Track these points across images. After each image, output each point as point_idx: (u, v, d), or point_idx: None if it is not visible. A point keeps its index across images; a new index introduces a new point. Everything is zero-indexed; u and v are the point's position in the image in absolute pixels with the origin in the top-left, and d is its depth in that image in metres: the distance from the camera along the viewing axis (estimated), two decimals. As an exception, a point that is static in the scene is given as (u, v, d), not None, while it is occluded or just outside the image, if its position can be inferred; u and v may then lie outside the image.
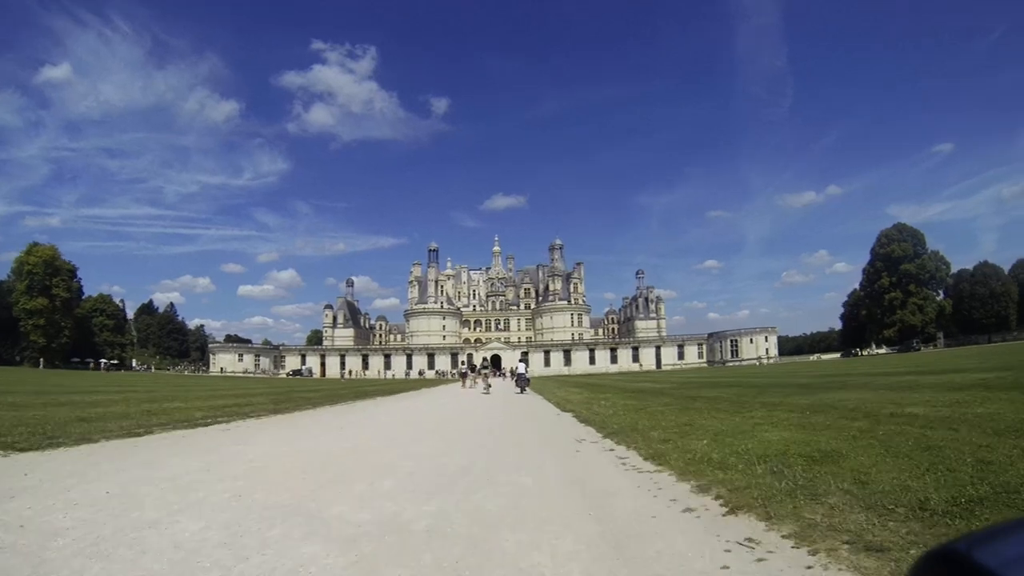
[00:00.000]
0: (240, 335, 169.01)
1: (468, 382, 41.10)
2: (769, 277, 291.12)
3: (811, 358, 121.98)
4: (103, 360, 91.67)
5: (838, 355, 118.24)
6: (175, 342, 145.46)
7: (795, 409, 12.55)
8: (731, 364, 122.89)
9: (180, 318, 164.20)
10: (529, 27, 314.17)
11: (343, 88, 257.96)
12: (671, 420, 11.72)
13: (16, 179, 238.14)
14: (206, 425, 12.18)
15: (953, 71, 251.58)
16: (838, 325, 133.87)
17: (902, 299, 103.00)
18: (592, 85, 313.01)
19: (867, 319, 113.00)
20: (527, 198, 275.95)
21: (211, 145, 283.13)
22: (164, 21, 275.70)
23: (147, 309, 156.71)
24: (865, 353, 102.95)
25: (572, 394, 26.23)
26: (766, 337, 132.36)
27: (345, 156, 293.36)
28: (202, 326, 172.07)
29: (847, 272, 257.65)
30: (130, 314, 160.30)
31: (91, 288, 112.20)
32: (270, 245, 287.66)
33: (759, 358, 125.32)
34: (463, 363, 69.90)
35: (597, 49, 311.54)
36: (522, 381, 31.98)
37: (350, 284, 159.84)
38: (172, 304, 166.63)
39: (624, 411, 15.30)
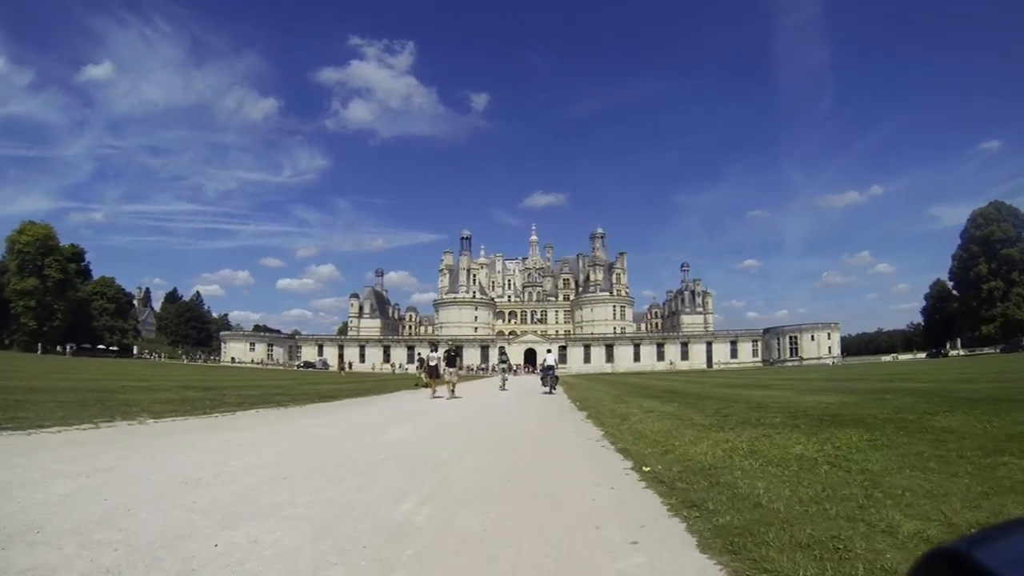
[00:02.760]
0: (274, 327, 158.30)
1: (438, 382, 21.87)
2: (809, 277, 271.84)
3: (884, 359, 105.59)
4: (70, 344, 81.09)
5: (920, 355, 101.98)
6: (193, 330, 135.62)
7: None
8: (791, 364, 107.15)
9: (206, 307, 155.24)
10: (568, 24, 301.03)
11: (381, 84, 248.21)
12: None
13: (61, 176, 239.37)
14: None
15: (1000, 65, 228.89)
16: (887, 326, 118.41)
17: (1004, 289, 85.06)
18: (631, 83, 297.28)
19: (959, 312, 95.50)
20: (567, 196, 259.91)
21: (250, 143, 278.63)
22: (203, 21, 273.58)
23: (172, 298, 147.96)
24: (955, 353, 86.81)
25: (674, 425, 10.50)
26: (828, 334, 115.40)
27: (384, 152, 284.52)
28: (226, 315, 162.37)
29: (889, 273, 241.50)
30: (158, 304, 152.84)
31: (130, 280, 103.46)
32: (309, 240, 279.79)
33: (822, 357, 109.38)
34: (419, 355, 43.51)
35: (636, 46, 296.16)
36: (549, 377, 26.15)
37: (380, 274, 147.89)
38: (198, 293, 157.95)
39: None
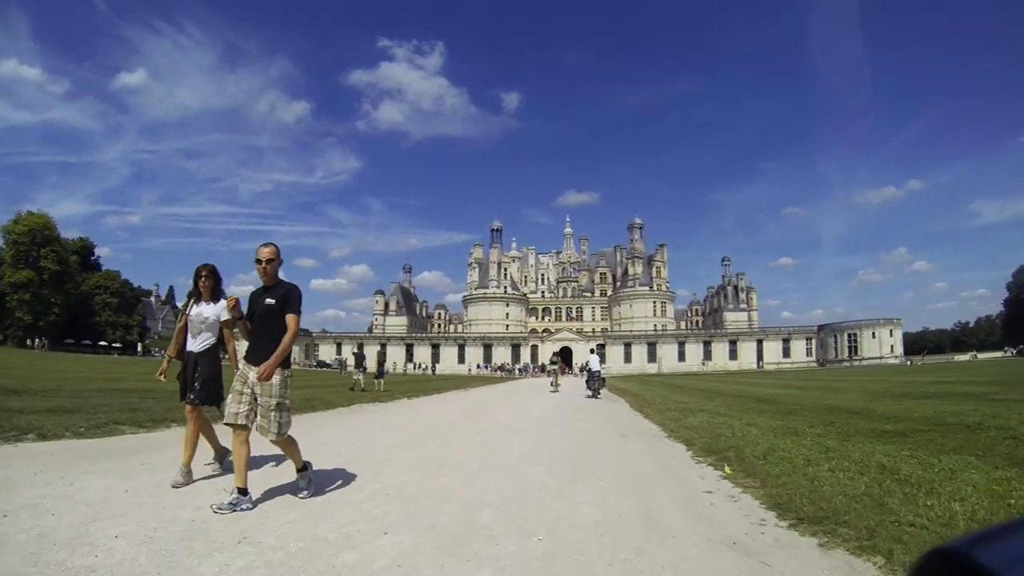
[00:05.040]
0: (307, 327, 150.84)
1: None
2: (845, 276, 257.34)
3: (959, 358, 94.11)
4: (39, 338, 74.02)
5: (996, 354, 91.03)
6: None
7: None
8: (849, 364, 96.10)
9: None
10: (599, 21, 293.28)
11: (412, 85, 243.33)
12: None
13: (98, 180, 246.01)
14: None
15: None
16: (927, 326, 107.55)
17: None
18: (664, 80, 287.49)
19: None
20: (600, 194, 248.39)
21: (284, 145, 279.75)
22: (235, 27, 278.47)
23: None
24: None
25: None
26: (890, 331, 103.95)
27: (417, 153, 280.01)
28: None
29: (927, 271, 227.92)
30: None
31: (166, 281, 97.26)
32: (343, 241, 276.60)
33: (884, 357, 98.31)
34: (353, 352, 26.56)
35: (668, 43, 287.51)
36: (595, 381, 23.03)
37: (408, 270, 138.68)
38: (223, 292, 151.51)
39: None
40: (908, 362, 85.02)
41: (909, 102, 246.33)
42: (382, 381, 24.30)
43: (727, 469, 6.30)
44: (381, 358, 25.69)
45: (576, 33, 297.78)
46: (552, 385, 29.36)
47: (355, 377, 25.05)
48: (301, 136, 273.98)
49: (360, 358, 25.76)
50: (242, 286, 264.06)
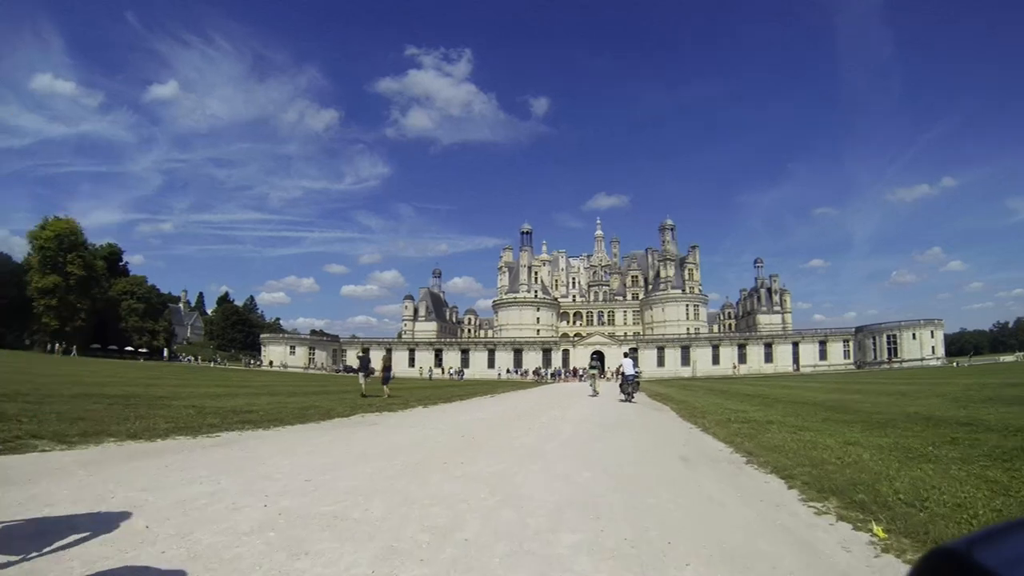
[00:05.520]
0: (337, 333, 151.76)
1: None
2: (878, 277, 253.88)
3: (1003, 359, 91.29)
4: (59, 342, 74.85)
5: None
6: (240, 334, 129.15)
7: None
8: (889, 367, 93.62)
9: (259, 312, 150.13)
10: (624, 24, 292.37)
11: (440, 92, 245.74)
12: None
13: (131, 189, 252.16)
14: None
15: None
16: (970, 326, 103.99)
17: None
18: (691, 81, 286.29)
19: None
20: (630, 198, 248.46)
21: (313, 152, 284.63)
22: (262, 37, 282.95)
23: (222, 302, 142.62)
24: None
25: None
26: (931, 332, 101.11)
27: (446, 159, 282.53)
28: (278, 319, 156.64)
29: (962, 271, 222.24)
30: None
31: (197, 287, 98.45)
32: (372, 247, 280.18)
33: (925, 359, 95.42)
34: (359, 354, 27.49)
35: (695, 44, 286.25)
36: (629, 384, 23.14)
37: (437, 275, 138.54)
38: (252, 298, 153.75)
39: None
40: (954, 364, 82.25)
41: (938, 99, 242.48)
42: (386, 388, 22.29)
43: (877, 530, 4.11)
44: (387, 361, 23.10)
45: (600, 37, 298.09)
46: (591, 389, 30.05)
47: (359, 382, 23.25)
48: (330, 144, 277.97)
49: (365, 361, 23.70)
50: (272, 292, 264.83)
